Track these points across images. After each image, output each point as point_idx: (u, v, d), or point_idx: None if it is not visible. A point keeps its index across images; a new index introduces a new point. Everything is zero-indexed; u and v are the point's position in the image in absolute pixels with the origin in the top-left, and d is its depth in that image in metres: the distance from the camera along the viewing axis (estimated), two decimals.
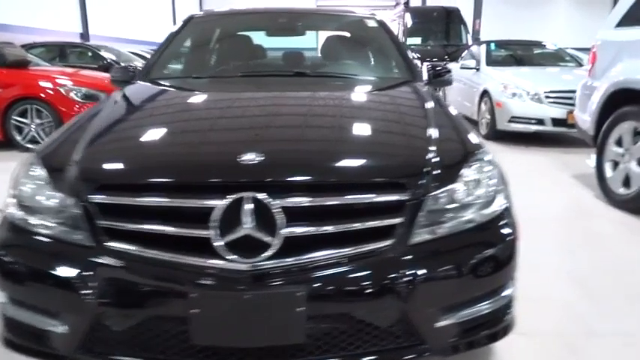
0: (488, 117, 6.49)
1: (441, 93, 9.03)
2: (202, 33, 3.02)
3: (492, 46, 7.74)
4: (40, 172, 1.48)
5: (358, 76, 2.55)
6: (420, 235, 1.38)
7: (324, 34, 3.06)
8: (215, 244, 1.27)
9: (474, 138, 1.73)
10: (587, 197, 3.93)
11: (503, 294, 1.52)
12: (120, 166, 1.47)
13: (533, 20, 19.93)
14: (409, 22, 12.60)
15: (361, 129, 1.72)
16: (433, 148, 1.56)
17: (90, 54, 9.73)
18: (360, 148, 1.56)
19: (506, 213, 1.54)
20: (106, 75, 4.88)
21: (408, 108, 2.01)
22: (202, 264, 1.28)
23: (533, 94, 5.99)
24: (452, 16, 12.75)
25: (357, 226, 1.33)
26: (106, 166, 1.47)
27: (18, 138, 5.67)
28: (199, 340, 1.29)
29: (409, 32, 12.48)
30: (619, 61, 3.76)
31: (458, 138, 1.72)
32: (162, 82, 2.37)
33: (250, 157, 1.38)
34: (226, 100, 2.10)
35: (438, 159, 1.50)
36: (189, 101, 2.10)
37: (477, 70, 7.19)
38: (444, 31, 12.75)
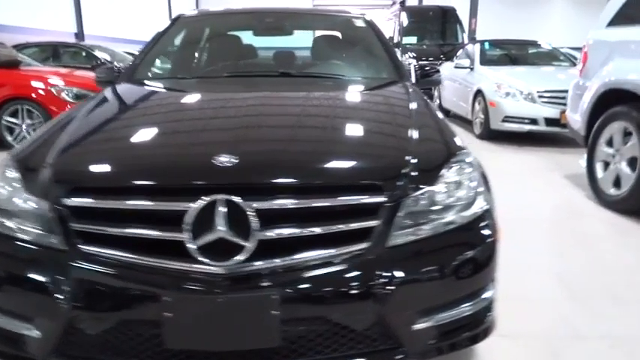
0: (482, 116, 6.49)
1: (436, 93, 9.04)
2: (190, 33, 3.00)
3: (486, 45, 7.74)
4: (14, 174, 1.46)
5: (344, 76, 2.54)
6: (398, 238, 1.37)
7: (317, 33, 3.05)
8: (188, 247, 1.25)
9: (455, 139, 1.72)
10: (579, 198, 3.92)
11: (484, 296, 1.51)
12: (92, 169, 1.45)
13: (529, 19, 19.95)
14: (405, 21, 12.61)
15: (339, 130, 1.71)
16: (413, 149, 1.55)
17: (84, 54, 9.70)
18: (337, 150, 1.55)
19: (486, 215, 1.53)
20: None
21: (391, 109, 2.00)
22: (175, 267, 1.27)
23: (527, 93, 5.98)
24: (448, 15, 12.75)
25: (333, 228, 1.31)
26: (79, 169, 1.45)
27: (9, 138, 5.65)
28: (173, 344, 1.28)
29: (405, 31, 12.48)
30: (610, 61, 3.76)
31: (439, 139, 1.71)
32: (146, 83, 2.35)
33: (225, 159, 1.36)
34: (207, 101, 2.08)
35: (417, 160, 1.49)
36: (168, 103, 2.08)
37: (471, 69, 7.18)
38: (439, 31, 12.75)
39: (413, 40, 12.67)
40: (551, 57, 7.77)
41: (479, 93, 6.61)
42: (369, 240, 1.33)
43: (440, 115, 1.97)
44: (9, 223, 1.41)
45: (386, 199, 1.36)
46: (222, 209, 1.26)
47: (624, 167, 3.47)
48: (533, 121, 5.96)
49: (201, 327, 1.26)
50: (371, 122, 1.83)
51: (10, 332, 1.38)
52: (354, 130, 1.73)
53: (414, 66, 2.72)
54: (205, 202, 1.26)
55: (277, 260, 1.28)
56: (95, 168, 1.45)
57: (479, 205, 1.52)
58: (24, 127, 5.64)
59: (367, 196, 1.35)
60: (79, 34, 13.98)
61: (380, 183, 1.38)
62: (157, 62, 2.76)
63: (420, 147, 1.58)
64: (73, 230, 1.32)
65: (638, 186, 3.29)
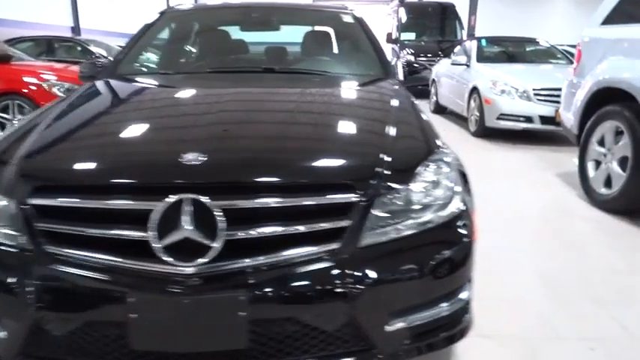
0: (477, 114, 6.46)
1: (432, 89, 9.00)
2: (175, 28, 2.97)
3: (483, 42, 7.70)
4: None
5: (328, 72, 2.51)
6: (371, 237, 1.34)
7: (304, 29, 3.02)
8: (153, 247, 1.23)
9: (435, 138, 1.69)
10: (569, 197, 3.90)
11: (460, 296, 1.50)
12: (57, 167, 1.42)
13: (529, 17, 19.88)
14: (404, 17, 12.57)
15: (314, 127, 1.68)
16: (388, 147, 1.52)
17: (79, 48, 9.64)
18: (308, 148, 1.52)
19: (462, 215, 1.51)
20: None
21: (371, 106, 1.98)
22: (140, 267, 1.24)
23: (522, 91, 5.95)
24: (447, 11, 12.71)
25: (303, 228, 1.29)
26: (44, 167, 1.43)
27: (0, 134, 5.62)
28: (139, 346, 1.26)
29: (403, 27, 12.45)
30: (604, 59, 3.73)
31: (418, 138, 1.68)
32: (127, 79, 2.32)
33: (193, 157, 1.34)
34: (184, 97, 2.06)
35: (392, 159, 1.47)
36: (143, 99, 2.05)
37: (468, 66, 7.15)
38: (438, 27, 12.71)
39: (411, 36, 12.63)
40: (549, 55, 7.73)
41: (474, 90, 6.58)
42: (340, 240, 1.31)
43: (423, 114, 1.94)
44: None
45: (358, 198, 1.33)
46: (188, 208, 1.23)
47: (615, 167, 3.45)
48: (529, 119, 5.93)
49: (166, 328, 1.24)
50: (348, 120, 1.80)
51: None
52: (329, 127, 1.70)
53: (402, 63, 2.70)
54: (171, 202, 1.23)
55: (245, 260, 1.25)
56: (60, 166, 1.42)
57: (455, 205, 1.49)
58: (15, 122, 5.60)
59: (338, 195, 1.33)
60: (76, 28, 13.92)
61: (351, 182, 1.35)
62: (142, 57, 2.73)
63: (396, 145, 1.56)
64: (38, 230, 1.29)
65: (628, 186, 3.27)
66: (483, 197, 3.75)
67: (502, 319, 2.05)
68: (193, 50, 2.90)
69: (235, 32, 3.03)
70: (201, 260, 1.23)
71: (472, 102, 6.68)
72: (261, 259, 1.26)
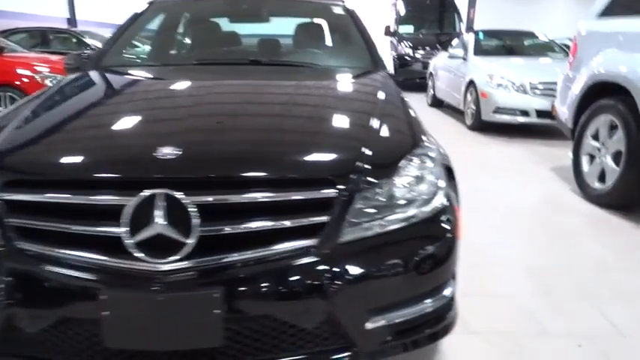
0: (474, 107, 6.41)
1: (429, 83, 8.95)
2: (163, 19, 2.92)
3: (480, 35, 7.63)
4: None
5: (316, 65, 2.47)
6: (351, 233, 1.31)
7: (294, 21, 2.97)
8: (126, 243, 1.20)
9: (420, 132, 1.66)
10: (563, 191, 3.87)
11: (442, 293, 1.47)
12: (29, 161, 1.39)
13: (529, 10, 19.75)
14: (402, 9, 12.46)
15: (294, 120, 1.65)
16: (371, 141, 1.49)
17: (74, 40, 9.57)
18: (287, 141, 1.49)
19: (446, 211, 1.48)
20: None
21: (356, 99, 1.94)
22: (112, 264, 1.22)
23: (519, 84, 5.91)
24: (445, 4, 12.60)
25: (280, 224, 1.26)
26: (15, 161, 1.39)
27: None
28: (112, 344, 1.23)
29: (401, 20, 12.35)
30: (599, 52, 3.68)
31: (402, 132, 1.65)
32: (110, 71, 2.29)
33: (167, 152, 1.30)
34: (164, 90, 2.02)
35: (374, 153, 1.43)
36: (123, 92, 2.01)
37: (465, 59, 7.09)
38: (437, 20, 12.62)
39: (409, 29, 12.54)
40: (547, 48, 7.67)
41: (471, 83, 6.53)
42: (318, 236, 1.28)
43: (410, 107, 1.91)
44: None
45: (337, 193, 1.30)
46: (161, 204, 1.20)
47: (609, 161, 3.42)
48: (525, 113, 5.89)
49: (139, 326, 1.21)
50: (330, 113, 1.77)
51: None
52: (309, 120, 1.67)
53: (392, 56, 2.66)
54: (143, 197, 1.20)
55: (220, 257, 1.23)
56: (31, 161, 1.39)
57: (439, 201, 1.46)
58: None
59: (317, 190, 1.30)
60: (72, 20, 13.82)
61: (330, 177, 1.32)
62: (128, 49, 2.69)
63: (379, 139, 1.53)
64: (9, 225, 1.26)
65: (621, 181, 3.24)
66: (476, 192, 3.74)
67: (489, 315, 2.03)
68: (181, 42, 2.86)
69: (224, 24, 2.98)
70: (174, 257, 1.20)
71: (469, 95, 6.63)
72: (237, 256, 1.23)
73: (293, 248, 1.26)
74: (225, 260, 1.23)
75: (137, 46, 2.84)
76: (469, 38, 7.56)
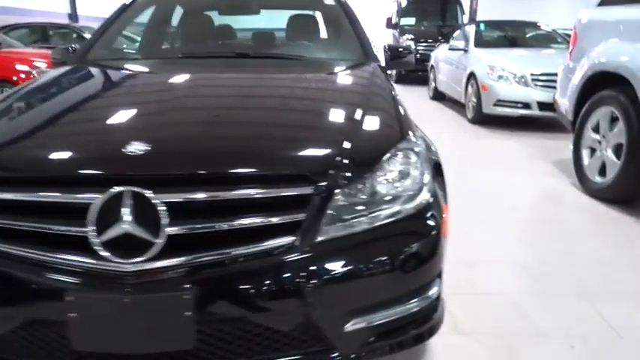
0: (475, 100, 6.33)
1: (431, 75, 8.85)
2: (150, 11, 2.86)
3: (482, 26, 7.53)
4: None
5: (304, 57, 2.42)
6: (329, 232, 1.26)
7: (286, 13, 2.91)
8: (92, 242, 1.16)
9: (406, 126, 1.60)
10: (563, 185, 3.80)
11: (427, 293, 1.42)
12: None
13: (534, 0, 19.47)
14: (403, 1, 12.33)
15: (274, 115, 1.60)
16: (353, 136, 1.44)
17: (74, 35, 9.53)
18: (262, 136, 1.44)
19: (431, 208, 1.42)
20: None
21: (341, 92, 1.89)
22: (78, 264, 1.17)
23: (520, 76, 5.82)
24: None
25: (254, 222, 1.21)
26: None
27: None
28: (79, 346, 1.19)
29: (403, 12, 12.24)
30: (600, 42, 3.60)
31: (388, 126, 1.59)
32: (93, 64, 2.24)
33: (136, 148, 1.25)
34: (142, 84, 1.97)
35: (355, 148, 1.38)
36: (100, 87, 1.96)
37: (466, 51, 7.00)
38: (439, 12, 12.48)
39: (411, 21, 12.42)
40: (550, 39, 7.55)
41: (472, 76, 6.44)
42: (294, 234, 1.23)
43: (399, 100, 1.85)
44: None
45: (314, 190, 1.25)
46: (129, 202, 1.16)
47: (610, 154, 3.34)
48: (526, 106, 5.80)
49: (107, 329, 1.17)
50: (312, 107, 1.71)
51: None
52: (289, 114, 1.62)
53: (384, 47, 2.60)
54: (110, 194, 1.16)
55: (191, 257, 1.18)
56: None
57: (424, 197, 1.41)
58: None
59: (293, 187, 1.24)
60: (73, 15, 13.77)
61: (307, 173, 1.27)
62: (116, 42, 2.64)
63: (361, 133, 1.48)
64: None
65: (622, 174, 3.17)
66: (473, 186, 3.68)
67: (481, 314, 1.97)
68: (169, 35, 2.80)
69: (214, 17, 2.92)
70: (142, 257, 1.16)
71: (469, 88, 6.54)
72: (208, 256, 1.19)
73: (267, 248, 1.22)
74: (196, 260, 1.18)
75: (136, 40, 2.78)
76: (470, 30, 7.45)
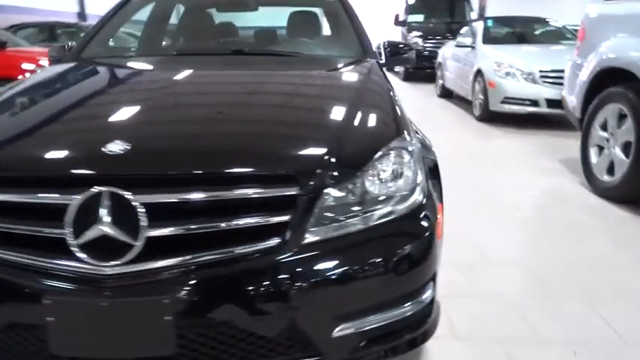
0: (482, 97, 6.24)
1: (438, 72, 8.75)
2: (150, 10, 2.83)
3: (489, 22, 7.42)
4: None
5: (300, 54, 2.37)
6: (317, 233, 1.22)
7: (285, 10, 2.87)
8: (69, 244, 1.12)
9: (401, 124, 1.55)
10: (571, 184, 3.72)
11: (421, 297, 1.37)
12: None
13: None
14: None
15: (262, 113, 1.55)
16: (343, 134, 1.39)
17: (82, 34, 9.55)
18: (249, 135, 1.39)
19: (424, 208, 1.37)
20: None
21: (335, 90, 1.84)
22: (56, 266, 1.14)
23: (527, 73, 5.72)
24: None
25: (237, 224, 1.17)
26: None
27: None
28: (58, 351, 1.16)
29: (411, 9, 12.15)
30: (608, 37, 3.51)
31: (380, 125, 1.54)
32: (89, 62, 2.21)
33: (115, 147, 1.22)
34: (131, 83, 1.94)
35: (345, 147, 1.34)
36: (87, 85, 1.91)
37: (473, 48, 6.90)
38: (447, 9, 12.35)
39: (419, 18, 12.31)
40: (560, 35, 7.42)
41: (479, 73, 6.35)
42: (280, 236, 1.19)
43: (396, 98, 1.80)
44: None
45: (301, 190, 1.21)
46: (107, 203, 1.12)
47: (618, 152, 3.26)
48: (534, 103, 5.70)
49: (85, 333, 1.14)
50: (303, 104, 1.67)
51: None
52: (279, 112, 1.57)
53: (383, 43, 2.54)
54: (88, 195, 1.12)
55: (171, 260, 1.14)
56: None
57: (416, 198, 1.36)
58: None
59: (278, 187, 1.20)
60: (82, 14, 13.84)
61: (293, 172, 1.22)
62: (112, 39, 2.61)
63: (353, 132, 1.43)
64: None
65: (631, 173, 3.08)
66: (477, 186, 3.61)
67: (480, 318, 1.91)
68: (165, 33, 2.77)
69: (213, 14, 2.89)
70: (120, 260, 1.12)
71: (476, 85, 6.45)
72: (189, 259, 1.15)
73: (250, 251, 1.18)
74: (176, 263, 1.14)
75: (124, 36, 2.75)
76: (478, 26, 7.35)
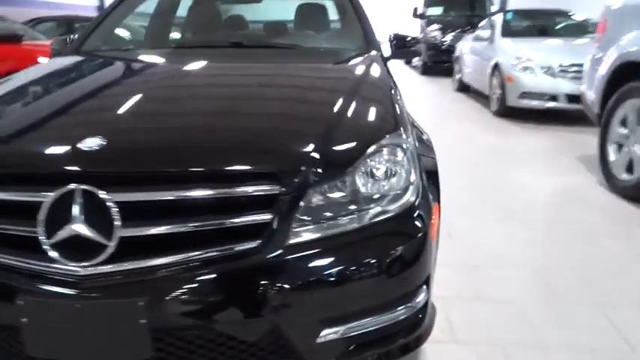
0: (499, 92, 6.08)
1: (456, 67, 8.58)
2: (156, 3, 2.80)
3: (509, 15, 7.23)
4: None
5: (300, 46, 2.31)
6: (301, 234, 1.17)
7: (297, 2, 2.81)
8: (42, 243, 1.09)
9: (398, 120, 1.47)
10: (588, 183, 3.58)
11: (413, 301, 1.31)
12: None
13: None
14: None
15: (248, 107, 1.49)
16: (333, 130, 1.33)
17: None
18: (231, 130, 1.34)
19: (418, 209, 1.30)
20: None
21: (330, 83, 1.78)
22: (29, 266, 1.11)
23: (547, 67, 5.55)
24: None
25: (214, 224, 1.12)
26: None
27: None
28: (33, 353, 1.13)
29: (430, 2, 11.95)
30: (630, 30, 3.35)
31: (375, 120, 1.48)
32: (90, 54, 2.19)
33: (91, 143, 1.18)
34: (120, 77, 1.89)
35: (334, 143, 1.27)
36: (75, 79, 1.88)
37: (491, 41, 6.73)
38: (467, 1, 12.11)
39: (438, 10, 12.10)
40: (583, 29, 7.18)
41: (496, 67, 6.19)
42: (261, 237, 1.14)
43: (396, 93, 1.72)
44: None
45: (282, 189, 1.15)
46: (79, 201, 1.08)
47: (638, 150, 3.12)
48: (553, 98, 5.54)
49: (60, 335, 1.11)
50: (294, 98, 1.61)
51: None
52: (266, 106, 1.52)
53: (389, 36, 2.47)
54: (60, 193, 1.09)
55: (145, 261, 1.10)
56: None
57: (409, 198, 1.29)
58: None
59: (259, 186, 1.15)
60: (101, 8, 13.97)
61: (274, 169, 1.16)
62: (115, 32, 2.59)
63: (344, 127, 1.37)
64: None
65: None
66: (491, 182, 3.50)
67: (482, 322, 1.84)
68: (168, 26, 2.73)
69: (220, 7, 2.84)
70: (96, 260, 1.08)
71: (494, 79, 6.30)
72: (164, 260, 1.10)
73: (229, 252, 1.13)
74: (151, 265, 1.10)
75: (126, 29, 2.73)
76: (497, 19, 7.17)
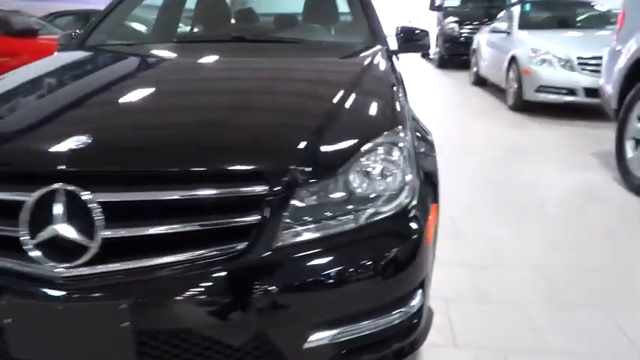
0: (516, 86, 5.94)
1: (473, 59, 8.42)
2: None
3: (527, 6, 7.04)
4: None
5: (304, 40, 2.27)
6: (289, 236, 1.13)
7: None
8: (23, 243, 1.07)
9: (397, 118, 1.42)
10: (604, 180, 3.47)
11: (407, 305, 1.26)
12: None
13: None
14: None
15: (239, 103, 1.46)
16: (325, 127, 1.29)
17: None
18: (218, 128, 1.30)
19: (413, 210, 1.26)
20: None
21: (329, 78, 1.74)
22: (12, 267, 1.10)
23: (565, 60, 5.39)
24: None
25: (200, 225, 1.09)
26: None
27: None
28: (17, 354, 1.13)
29: None
30: None
31: (373, 116, 1.43)
32: (93, 49, 2.18)
33: (77, 141, 1.16)
34: (114, 72, 1.87)
35: (326, 142, 1.24)
36: (72, 75, 1.87)
37: (508, 33, 6.58)
38: None
39: (456, 2, 11.89)
40: (605, 20, 6.96)
41: (513, 60, 6.05)
42: (247, 239, 1.11)
43: (398, 89, 1.67)
44: None
45: (271, 188, 1.11)
46: (61, 200, 1.06)
47: None
48: (572, 92, 5.38)
49: (43, 337, 1.10)
50: (288, 94, 1.57)
51: None
52: (260, 103, 1.48)
53: (396, 29, 2.40)
54: (42, 193, 1.07)
55: (128, 262, 1.08)
56: None
57: (404, 198, 1.25)
58: None
59: (246, 186, 1.11)
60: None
61: (262, 169, 1.13)
62: (120, 26, 2.58)
63: (338, 124, 1.33)
64: None
65: None
66: (503, 179, 3.42)
67: (484, 326, 1.79)
68: (172, 20, 2.71)
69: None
70: (78, 261, 1.07)
71: (511, 73, 6.15)
72: (147, 262, 1.08)
73: (214, 253, 1.10)
74: (134, 267, 1.08)
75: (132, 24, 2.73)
76: (515, 10, 7.00)
